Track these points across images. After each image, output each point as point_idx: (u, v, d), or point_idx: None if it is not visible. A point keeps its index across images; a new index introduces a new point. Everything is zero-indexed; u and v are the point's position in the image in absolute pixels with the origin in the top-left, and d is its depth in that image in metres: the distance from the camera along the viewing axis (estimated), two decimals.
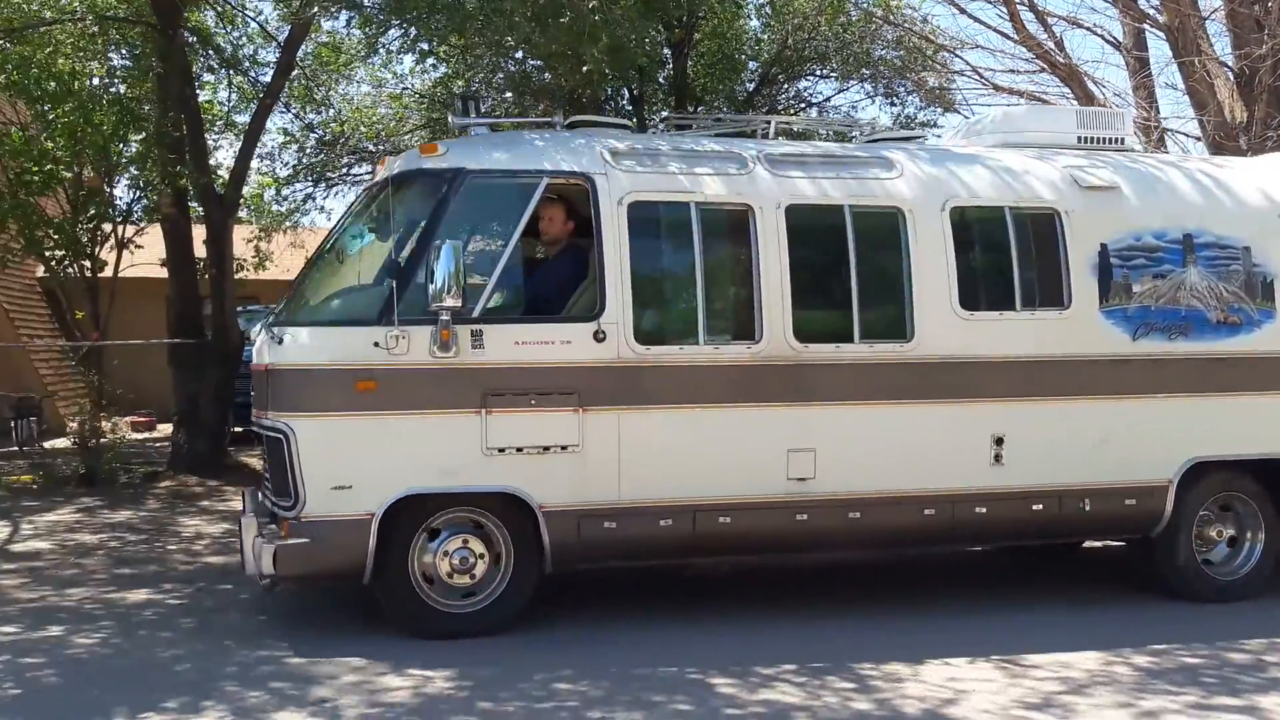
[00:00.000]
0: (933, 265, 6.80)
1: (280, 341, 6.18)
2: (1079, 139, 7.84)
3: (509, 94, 15.48)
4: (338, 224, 7.16)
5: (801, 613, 6.94)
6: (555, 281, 6.57)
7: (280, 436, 6.11)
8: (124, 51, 14.92)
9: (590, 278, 6.39)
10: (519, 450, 6.20)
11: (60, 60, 14.25)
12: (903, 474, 6.75)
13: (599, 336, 6.26)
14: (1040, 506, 6.96)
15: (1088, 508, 7.04)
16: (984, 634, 6.49)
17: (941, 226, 6.85)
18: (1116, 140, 7.96)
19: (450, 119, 7.11)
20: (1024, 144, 7.66)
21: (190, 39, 13.60)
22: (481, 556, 6.29)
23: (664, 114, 9.59)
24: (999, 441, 6.88)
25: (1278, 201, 7.59)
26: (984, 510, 6.89)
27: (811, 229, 6.80)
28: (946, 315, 6.80)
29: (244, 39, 15.50)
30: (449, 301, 5.89)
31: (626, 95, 16.55)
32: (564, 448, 6.24)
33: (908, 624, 6.77)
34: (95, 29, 13.67)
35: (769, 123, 7.74)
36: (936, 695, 5.39)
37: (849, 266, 6.71)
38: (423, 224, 6.27)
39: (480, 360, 6.14)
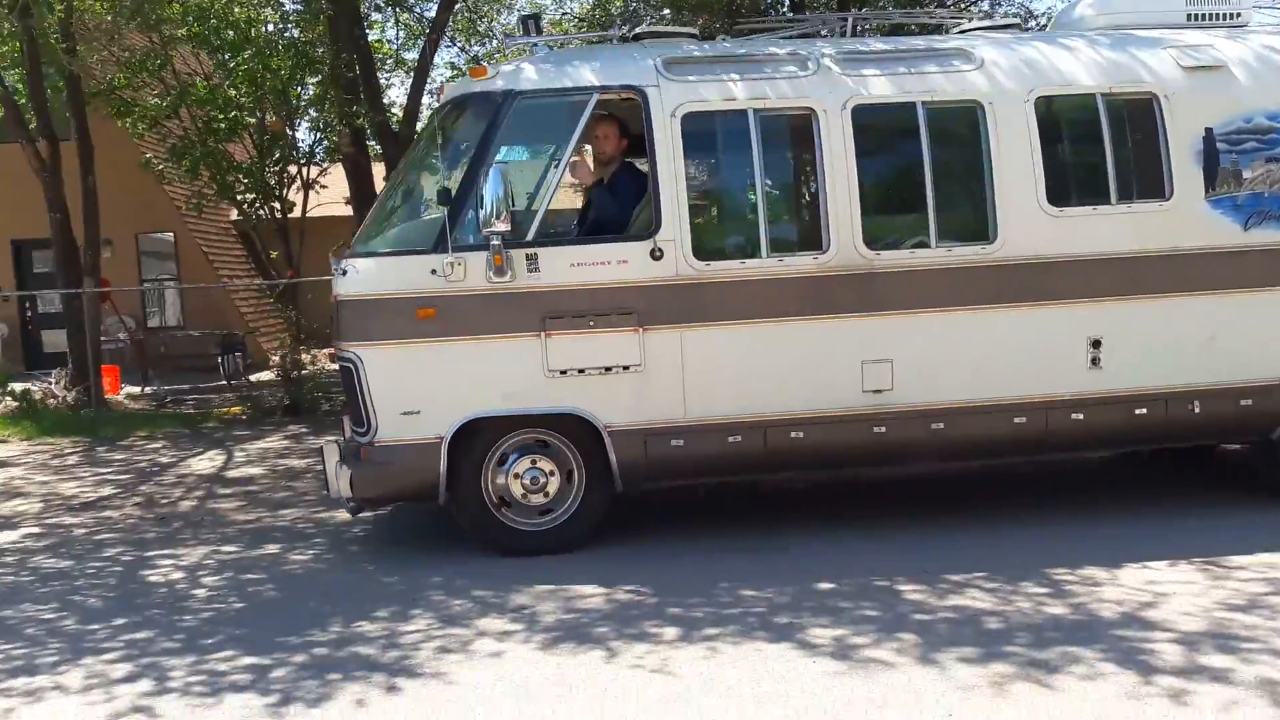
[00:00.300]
0: (1016, 161, 6.39)
1: (345, 273, 6.28)
2: (1188, 16, 7.20)
3: (665, 10, 15.22)
4: (407, 154, 7.22)
5: (979, 522, 6.72)
6: (612, 201, 6.46)
7: (350, 366, 6.24)
8: None
9: (647, 195, 6.26)
10: (580, 372, 6.16)
11: (236, 9, 14.81)
12: (989, 382, 6.42)
13: (656, 254, 6.14)
14: (1144, 410, 6.53)
15: (1197, 410, 6.57)
16: (1183, 536, 6.16)
17: (1025, 118, 6.42)
18: (1232, 15, 7.27)
19: (505, 39, 7.04)
20: (1127, 26, 7.09)
21: None
22: (552, 474, 6.30)
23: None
24: (1096, 344, 6.47)
25: None
26: (1081, 416, 6.50)
27: (881, 129, 6.49)
28: (1033, 213, 6.39)
29: None
30: (499, 226, 5.86)
31: (787, 3, 16.01)
32: (626, 368, 6.18)
33: (1091, 529, 6.49)
34: None
35: (845, 19, 7.36)
36: (1134, 599, 5.14)
37: (923, 167, 6.37)
38: (474, 149, 6.24)
39: (537, 284, 6.11)
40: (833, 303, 6.30)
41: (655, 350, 6.19)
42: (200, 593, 5.93)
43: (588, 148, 6.77)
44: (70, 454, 10.96)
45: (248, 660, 4.79)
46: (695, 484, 7.09)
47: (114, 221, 15.82)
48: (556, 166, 6.31)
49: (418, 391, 6.15)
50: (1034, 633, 4.75)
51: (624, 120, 6.53)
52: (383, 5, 15.72)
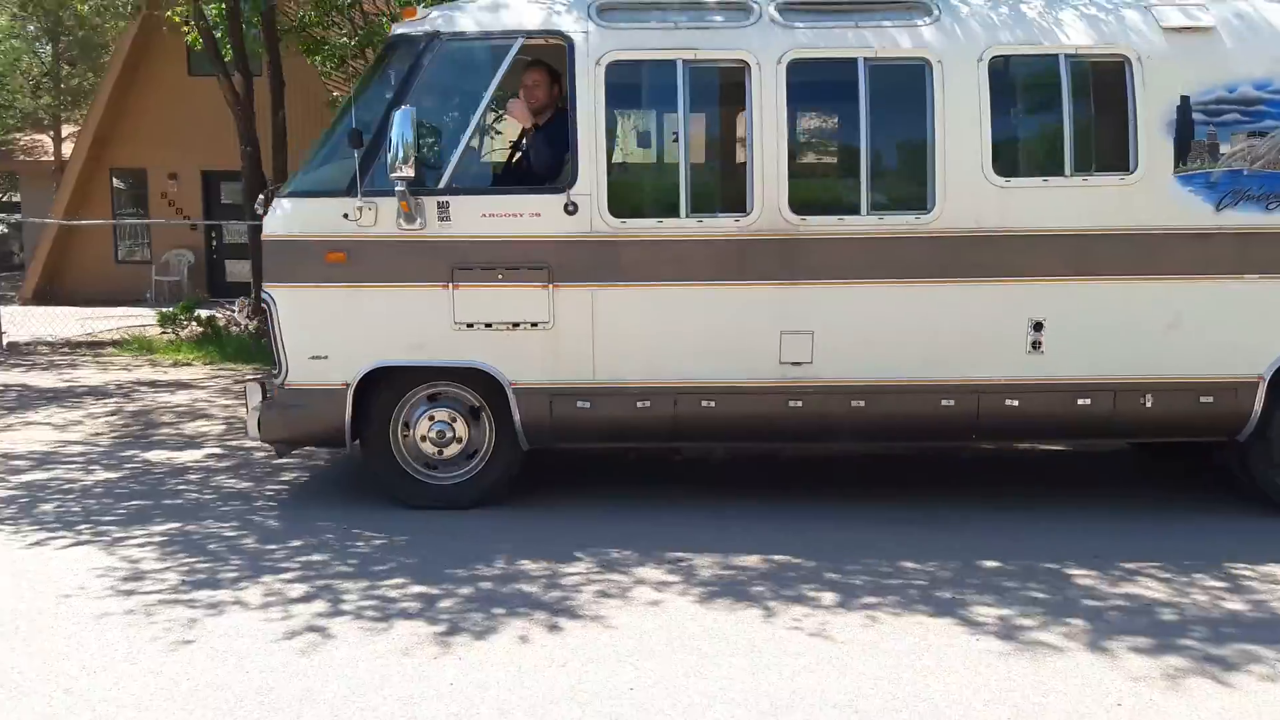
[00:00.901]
0: (962, 125, 5.97)
1: (269, 214, 6.28)
2: None
3: None
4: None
5: (1145, 511, 6.48)
6: (537, 149, 6.27)
7: (266, 306, 6.25)
8: None
9: (569, 147, 6.06)
10: (488, 326, 6.05)
11: None
12: (917, 361, 6.08)
13: (570, 209, 5.95)
14: (1088, 401, 6.11)
15: (1149, 404, 6.12)
16: None
17: (977, 79, 5.98)
18: None
19: None
20: None
21: None
22: (456, 429, 6.24)
23: None
24: (1037, 327, 6.06)
25: None
26: (1017, 403, 6.12)
27: (818, 86, 6.13)
28: (976, 182, 5.98)
29: None
30: (403, 171, 5.75)
31: None
32: (534, 325, 6.04)
33: (1268, 525, 6.15)
34: None
35: None
36: None
37: (859, 128, 6.00)
38: (393, 91, 6.12)
39: (447, 233, 6.00)
40: (753, 269, 6.03)
41: (565, 308, 6.03)
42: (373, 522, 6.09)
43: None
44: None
45: (417, 589, 4.97)
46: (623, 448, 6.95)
47: (301, 157, 16.28)
48: (475, 113, 6.14)
49: (327, 336, 6.14)
50: (1211, 627, 4.60)
51: (557, 69, 6.31)
52: None
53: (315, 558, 5.45)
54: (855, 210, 6.01)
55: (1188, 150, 6.00)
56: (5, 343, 13.74)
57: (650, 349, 6.08)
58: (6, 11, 19.11)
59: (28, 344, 13.99)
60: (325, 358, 6.13)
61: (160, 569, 5.29)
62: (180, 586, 5.04)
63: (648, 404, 6.10)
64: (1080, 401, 6.12)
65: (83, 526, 6.02)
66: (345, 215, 6.00)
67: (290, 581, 5.09)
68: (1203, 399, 6.11)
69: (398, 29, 6.36)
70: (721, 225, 6.03)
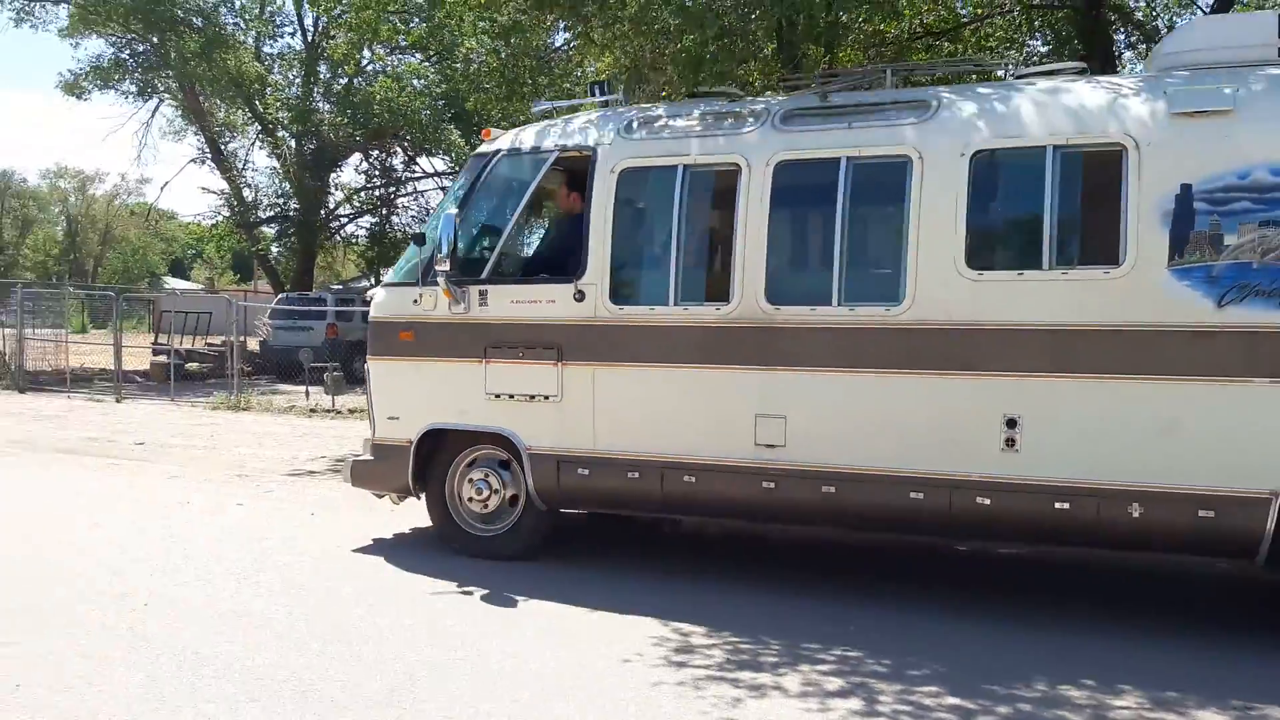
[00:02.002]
0: (938, 218, 5.99)
1: (373, 300, 7.67)
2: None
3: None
4: None
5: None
6: (552, 246, 7.13)
7: (366, 375, 7.62)
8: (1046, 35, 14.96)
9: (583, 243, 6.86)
10: (511, 397, 6.95)
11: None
12: (886, 451, 6.08)
13: (578, 296, 6.73)
14: (1067, 505, 5.75)
15: (1138, 514, 5.63)
16: None
17: (958, 174, 5.98)
18: None
19: (533, 107, 7.92)
20: (1211, 63, 6.08)
21: (1111, 17, 13.39)
22: (495, 487, 7.14)
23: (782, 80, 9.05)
24: (1011, 424, 5.83)
25: None
26: (989, 501, 5.90)
27: (801, 185, 6.43)
28: (948, 275, 5.95)
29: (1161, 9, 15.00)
30: (444, 265, 6.88)
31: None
32: (546, 397, 6.85)
33: None
34: (1022, 19, 14.01)
35: (885, 71, 7.18)
36: None
37: (836, 223, 6.22)
38: (459, 199, 7.29)
39: (484, 316, 7.02)
40: (731, 353, 6.40)
41: (571, 383, 6.78)
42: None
43: None
44: None
45: (952, 700, 4.85)
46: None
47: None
48: (514, 214, 7.13)
49: (399, 401, 7.36)
50: None
51: (579, 174, 7.13)
52: (1135, 43, 14.76)
53: (851, 653, 5.47)
54: (827, 301, 6.21)
55: (1186, 242, 5.55)
56: None
57: (640, 424, 6.63)
58: None
59: None
60: (398, 418, 7.35)
61: (708, 644, 5.54)
62: (725, 664, 5.24)
63: (637, 475, 6.64)
64: (1059, 505, 5.76)
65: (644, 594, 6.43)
66: (414, 301, 7.23)
67: (826, 674, 5.15)
68: (1201, 513, 5.51)
69: (479, 149, 7.55)
70: (705, 313, 6.49)
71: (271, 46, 28.84)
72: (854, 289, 6.20)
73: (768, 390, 6.33)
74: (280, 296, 25.87)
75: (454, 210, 7.00)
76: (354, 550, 7.51)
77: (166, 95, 28.59)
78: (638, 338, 6.64)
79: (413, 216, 29.65)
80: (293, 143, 27.66)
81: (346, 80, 26.73)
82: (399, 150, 28.83)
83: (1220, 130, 5.59)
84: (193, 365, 23.51)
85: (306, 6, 25.96)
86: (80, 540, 7.62)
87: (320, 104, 27.13)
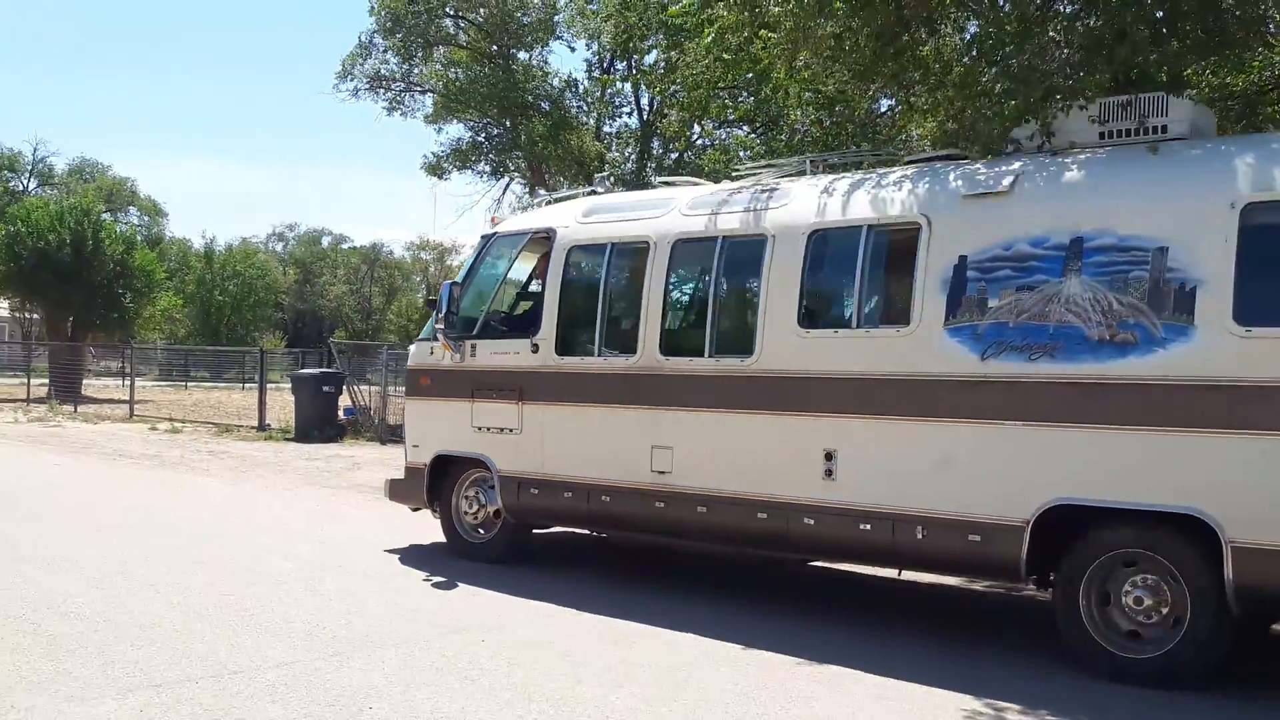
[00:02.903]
0: (783, 287, 7.23)
1: (410, 351, 9.65)
2: (1100, 135, 6.91)
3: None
4: None
5: None
6: (521, 309, 8.81)
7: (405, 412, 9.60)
8: None
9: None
10: (488, 429, 8.69)
11: None
12: (742, 477, 7.33)
13: (534, 349, 8.41)
14: (869, 527, 6.79)
15: (921, 536, 6.61)
16: None
17: (798, 250, 7.21)
18: (1160, 129, 6.71)
19: (540, 194, 9.63)
20: (1064, 147, 6.99)
21: None
22: (480, 500, 8.87)
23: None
24: (829, 456, 6.96)
25: (1222, 192, 5.86)
26: (813, 523, 7.02)
27: (690, 259, 7.85)
28: (787, 333, 7.17)
29: None
30: (442, 325, 8.76)
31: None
32: (510, 430, 8.53)
33: None
34: None
35: (806, 160, 8.45)
36: None
37: (710, 290, 7.60)
38: (466, 270, 9.17)
39: (473, 364, 8.82)
40: (636, 395, 7.86)
41: (528, 419, 8.44)
42: None
43: None
44: None
45: None
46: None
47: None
48: (498, 282, 8.90)
49: (421, 432, 9.27)
50: None
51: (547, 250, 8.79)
52: None
53: None
54: (701, 353, 7.56)
55: (959, 304, 6.54)
56: None
57: (573, 453, 8.18)
58: None
59: None
60: (419, 447, 9.25)
61: None
62: None
63: (570, 495, 8.18)
64: (862, 527, 6.82)
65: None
66: (430, 352, 9.15)
67: None
68: (970, 537, 6.43)
69: (484, 230, 9.41)
70: (619, 363, 7.99)
71: (610, 126, 30.23)
72: (721, 344, 7.54)
73: (660, 426, 7.74)
74: None
75: (450, 281, 8.88)
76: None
77: (516, 174, 30.27)
78: (573, 382, 8.22)
79: None
80: None
81: (677, 155, 27.09)
82: None
83: (995, 209, 6.57)
84: None
85: (643, 88, 27.44)
86: None
87: (652, 177, 28.28)
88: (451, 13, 28.25)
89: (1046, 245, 6.30)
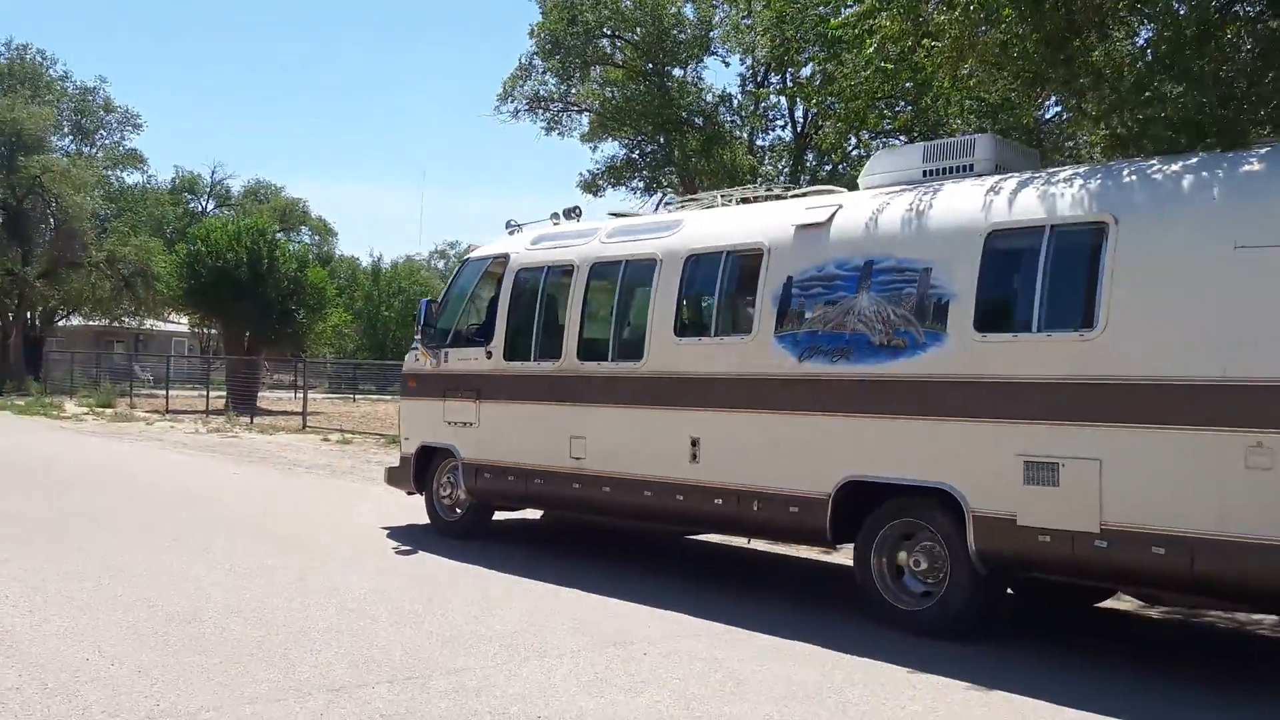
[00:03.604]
0: (665, 302, 8.70)
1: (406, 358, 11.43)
2: (924, 173, 8.15)
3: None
4: None
5: None
6: (480, 322, 10.45)
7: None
8: None
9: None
10: (454, 424, 10.37)
11: None
12: (635, 462, 8.81)
13: (488, 355, 10.07)
14: (721, 501, 8.19)
15: (757, 509, 7.97)
16: None
17: (677, 271, 8.66)
18: (968, 166, 7.95)
19: (506, 224, 11.21)
20: (883, 183, 8.36)
21: None
22: (451, 484, 10.56)
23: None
24: (695, 443, 8.38)
25: (975, 221, 7.08)
26: (682, 499, 8.45)
27: (601, 279, 9.35)
28: (666, 340, 8.63)
29: None
30: (419, 336, 10.52)
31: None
32: (470, 424, 10.20)
33: None
34: None
35: (700, 198, 9.90)
36: None
37: (614, 305, 9.11)
38: (445, 289, 10.89)
39: (445, 369, 10.53)
40: (560, 393, 9.42)
41: (483, 414, 10.09)
42: None
43: None
44: None
45: None
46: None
47: None
48: (466, 299, 10.58)
49: (410, 426, 11.04)
50: None
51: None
52: None
53: None
54: (606, 358, 9.08)
55: (785, 316, 7.88)
56: None
57: (514, 442, 9.79)
58: None
59: None
60: (409, 439, 11.01)
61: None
62: None
63: (513, 479, 9.79)
64: (716, 501, 8.21)
65: None
66: (416, 359, 10.90)
67: None
68: (791, 509, 7.77)
69: (462, 257, 11.10)
70: (548, 366, 9.56)
71: (763, 140, 30.24)
72: (620, 350, 9.04)
73: (577, 420, 9.27)
74: None
75: (426, 299, 10.61)
76: None
77: (669, 189, 30.12)
78: (516, 383, 9.84)
79: None
80: None
81: (831, 167, 27.07)
82: None
83: (815, 237, 7.89)
84: None
85: (798, 101, 27.25)
86: None
87: None
88: (608, 32, 28.96)
89: (848, 267, 7.61)
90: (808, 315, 7.77)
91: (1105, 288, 6.40)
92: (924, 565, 7.25)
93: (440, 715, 5.24)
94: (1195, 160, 6.60)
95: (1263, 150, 6.43)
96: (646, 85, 28.69)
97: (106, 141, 50.63)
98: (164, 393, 33.80)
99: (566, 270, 9.66)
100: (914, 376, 7.16)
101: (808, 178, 26.82)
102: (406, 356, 11.40)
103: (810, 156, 28.21)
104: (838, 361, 7.55)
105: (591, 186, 30.12)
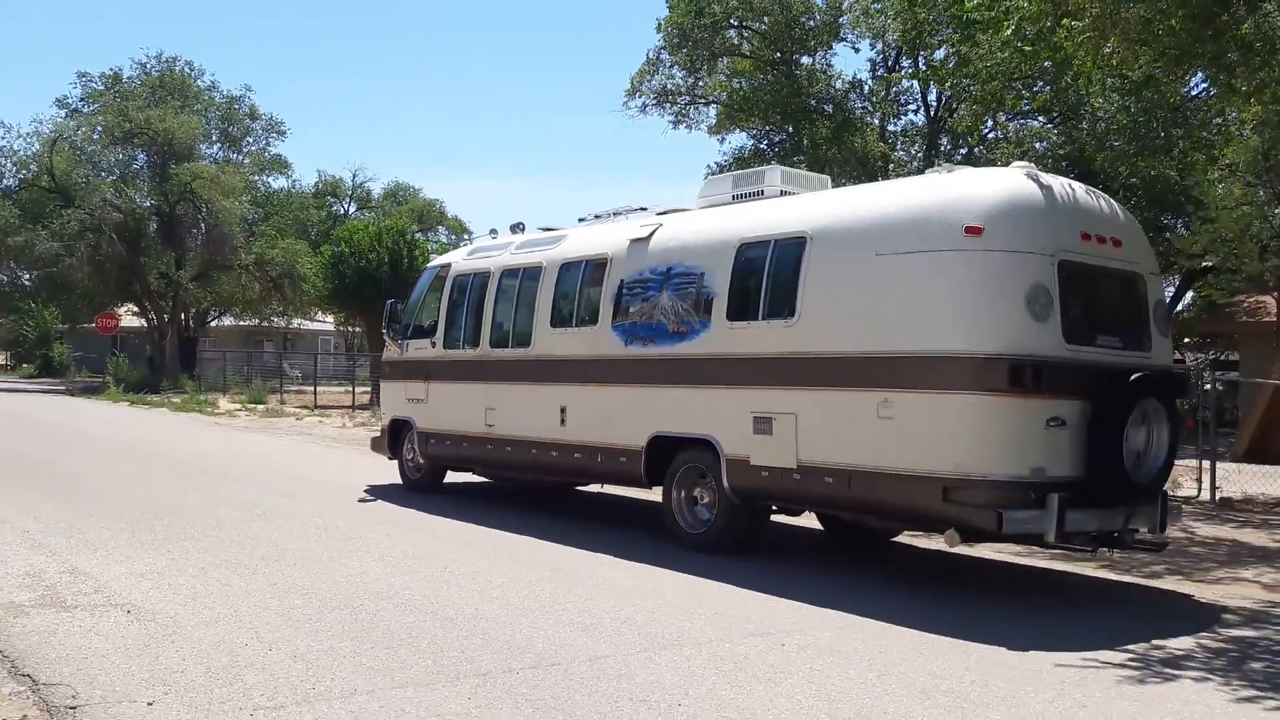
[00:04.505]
0: (545, 300, 11.12)
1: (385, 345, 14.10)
2: (733, 197, 10.40)
3: None
4: None
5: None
6: (429, 319, 13.02)
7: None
8: None
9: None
10: (411, 400, 13.00)
11: None
12: (526, 427, 11.24)
13: (433, 344, 12.65)
14: (580, 455, 10.57)
15: (601, 460, 10.34)
16: None
17: (555, 276, 11.08)
18: (760, 192, 10.17)
19: (490, 231, 13.65)
20: (704, 204, 10.65)
21: None
22: (413, 449, 13.18)
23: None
24: (563, 411, 10.78)
25: (732, 236, 9.29)
26: (556, 455, 10.86)
27: (507, 282, 11.80)
28: (545, 331, 11.06)
29: None
30: (387, 329, 13.20)
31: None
32: (421, 400, 12.80)
33: None
34: None
35: (600, 216, 12.24)
36: None
37: (513, 303, 11.57)
38: (414, 292, 13.53)
39: (406, 356, 13.18)
40: (478, 374, 11.93)
41: (430, 391, 12.68)
42: None
43: None
44: None
45: None
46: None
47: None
48: (421, 300, 13.18)
49: (386, 403, 13.75)
50: None
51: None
52: None
53: None
54: (506, 345, 11.55)
55: (617, 311, 10.22)
56: (1218, 498, 13.63)
57: (450, 414, 12.34)
58: (1240, 181, 20.32)
59: (1240, 500, 13.75)
60: (386, 414, 13.70)
61: None
62: None
63: (449, 443, 12.36)
64: (576, 456, 10.60)
65: None
66: (389, 348, 13.56)
67: None
68: (621, 459, 10.11)
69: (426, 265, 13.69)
70: (470, 353, 12.08)
71: (895, 125, 30.12)
72: (516, 339, 11.50)
73: (489, 394, 11.76)
74: None
75: (391, 300, 13.29)
76: None
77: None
78: (450, 366, 12.39)
79: None
80: None
81: (966, 150, 27.00)
82: None
83: (641, 248, 10.19)
84: None
85: (931, 85, 27.28)
86: None
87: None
88: (736, 23, 28.69)
89: (657, 273, 9.91)
90: (631, 310, 10.08)
91: (802, 286, 8.57)
92: (707, 499, 9.51)
93: (586, 715, 5.08)
94: (864, 187, 8.71)
95: (942, 170, 8.54)
96: (774, 75, 28.29)
97: (253, 148, 51.77)
98: (312, 389, 36.08)
99: (485, 276, 12.15)
100: (691, 356, 9.43)
101: (941, 161, 26.96)
102: (386, 345, 14.08)
103: (945, 140, 28.13)
104: (648, 345, 9.86)
105: None
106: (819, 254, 8.54)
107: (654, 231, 10.20)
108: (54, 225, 41.71)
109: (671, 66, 29.51)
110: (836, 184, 24.73)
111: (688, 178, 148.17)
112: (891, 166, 27.48)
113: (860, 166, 26.75)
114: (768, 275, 8.91)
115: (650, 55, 29.44)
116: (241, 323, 54.65)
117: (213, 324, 54.23)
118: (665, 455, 9.77)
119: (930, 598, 8.09)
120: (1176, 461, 8.42)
